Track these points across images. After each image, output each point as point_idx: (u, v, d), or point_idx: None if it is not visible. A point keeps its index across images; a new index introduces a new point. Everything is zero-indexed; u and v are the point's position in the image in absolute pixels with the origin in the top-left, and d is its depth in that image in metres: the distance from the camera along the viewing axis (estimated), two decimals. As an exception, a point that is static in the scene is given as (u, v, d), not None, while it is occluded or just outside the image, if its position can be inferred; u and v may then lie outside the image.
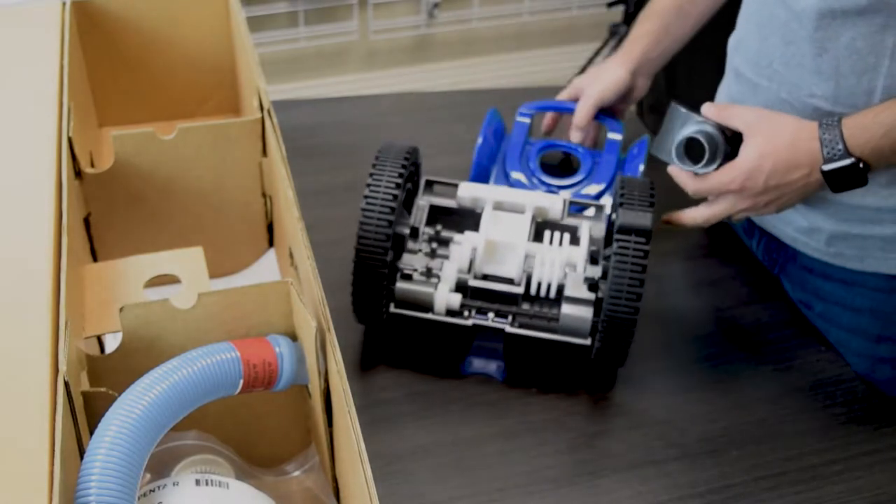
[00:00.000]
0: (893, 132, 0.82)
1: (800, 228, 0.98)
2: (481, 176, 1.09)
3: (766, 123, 0.88)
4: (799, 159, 0.85)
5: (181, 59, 1.08)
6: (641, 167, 1.07)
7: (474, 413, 0.89)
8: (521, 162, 1.08)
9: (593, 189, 1.05)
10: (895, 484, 0.84)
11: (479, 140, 1.10)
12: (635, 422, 0.89)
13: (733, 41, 1.01)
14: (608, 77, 1.07)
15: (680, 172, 0.92)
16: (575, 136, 1.08)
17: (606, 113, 1.10)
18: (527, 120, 1.12)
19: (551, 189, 1.06)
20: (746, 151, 0.87)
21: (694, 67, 1.14)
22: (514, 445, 0.86)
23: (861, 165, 0.83)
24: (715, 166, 0.89)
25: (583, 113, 1.07)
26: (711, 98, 1.09)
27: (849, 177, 0.84)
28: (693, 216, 0.93)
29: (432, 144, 1.17)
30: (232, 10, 1.03)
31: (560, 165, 1.11)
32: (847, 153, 0.83)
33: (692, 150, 0.89)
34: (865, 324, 0.98)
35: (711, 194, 0.91)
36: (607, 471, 0.85)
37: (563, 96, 1.11)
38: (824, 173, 0.84)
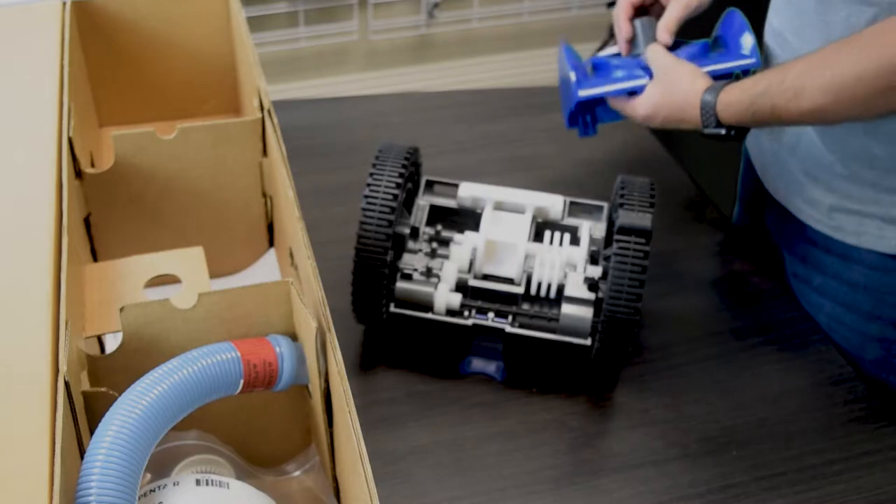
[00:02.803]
0: (755, 106, 0.87)
1: (807, 199, 0.99)
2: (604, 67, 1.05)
3: (668, 76, 0.96)
4: (685, 117, 0.94)
5: (181, 59, 1.08)
6: (748, 36, 1.01)
7: (474, 413, 0.89)
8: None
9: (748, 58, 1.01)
10: (895, 484, 0.84)
11: (572, 75, 1.03)
12: (635, 422, 0.89)
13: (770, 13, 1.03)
14: None
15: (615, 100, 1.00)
16: (665, 38, 1.03)
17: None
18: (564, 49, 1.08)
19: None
20: (647, 95, 0.97)
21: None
22: (514, 445, 0.86)
23: (732, 133, 0.91)
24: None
25: (675, 17, 1.02)
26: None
27: (726, 139, 0.92)
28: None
29: (432, 144, 1.17)
30: (232, 10, 1.03)
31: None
32: (719, 124, 0.91)
33: None
34: (859, 300, 0.98)
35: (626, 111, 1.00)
36: (607, 471, 0.85)
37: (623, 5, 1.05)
38: (703, 135, 0.93)
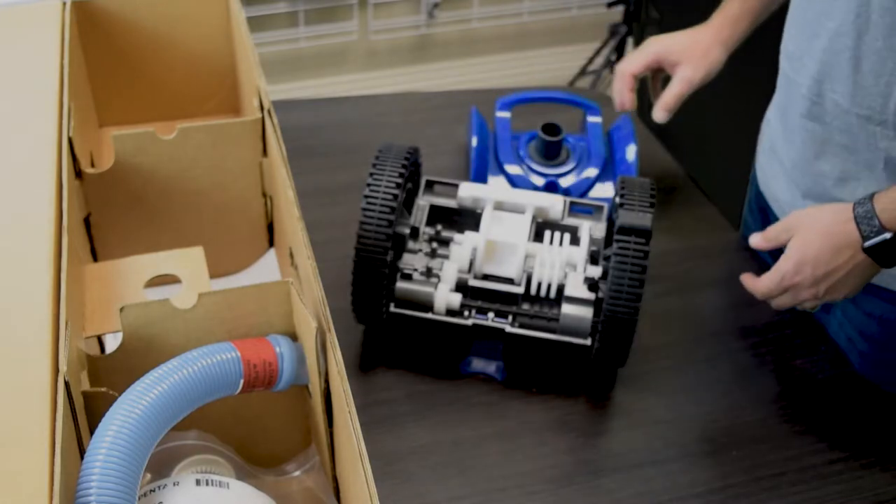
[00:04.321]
0: None
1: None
2: (482, 174, 1.09)
3: (804, 218, 0.89)
4: (839, 242, 0.85)
5: (181, 59, 1.08)
6: (633, 147, 1.07)
7: (474, 413, 0.89)
8: (514, 154, 1.09)
9: (591, 172, 1.06)
10: (895, 484, 0.84)
11: (475, 141, 1.11)
12: (635, 422, 0.89)
13: (782, 46, 1.02)
14: (714, 59, 1.02)
15: (747, 279, 0.94)
16: (661, 117, 1.03)
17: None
18: (507, 114, 1.13)
19: (548, 177, 1.06)
20: (789, 248, 0.89)
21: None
22: (514, 445, 0.86)
23: None
24: None
25: (676, 96, 1.01)
26: (723, 101, 1.10)
27: (892, 250, 0.84)
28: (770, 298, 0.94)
29: (432, 144, 1.17)
30: (232, 10, 1.03)
31: (545, 154, 1.10)
32: (882, 228, 0.83)
33: None
34: (874, 329, 0.98)
35: (775, 293, 0.91)
36: (607, 471, 0.85)
37: (643, 55, 1.05)
38: (866, 250, 0.84)
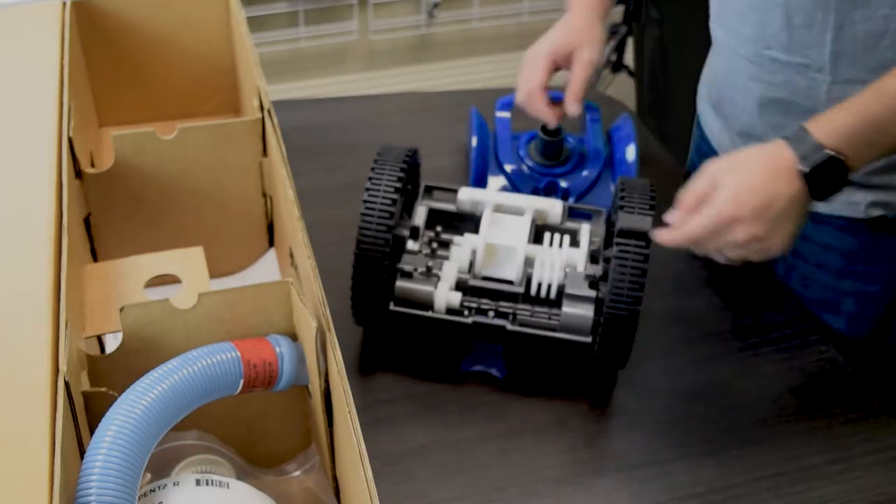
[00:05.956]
0: (862, 115, 0.78)
1: None
2: (482, 174, 1.09)
3: (729, 160, 0.83)
4: (775, 167, 0.80)
5: (181, 59, 1.08)
6: (633, 147, 1.07)
7: (474, 413, 0.89)
8: (514, 154, 1.09)
9: (591, 173, 1.06)
10: (895, 484, 0.84)
11: (475, 141, 1.11)
12: (635, 422, 0.89)
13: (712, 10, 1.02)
14: (596, 35, 0.99)
15: (665, 233, 0.84)
16: (574, 109, 1.00)
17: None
18: (506, 114, 1.13)
19: (548, 177, 1.06)
20: (721, 184, 0.80)
21: (694, 73, 1.13)
22: (514, 445, 0.86)
23: (839, 157, 0.78)
24: None
25: (582, 82, 0.99)
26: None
27: (829, 174, 0.79)
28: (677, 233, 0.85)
29: (432, 144, 1.17)
30: (232, 10, 1.03)
31: (545, 154, 1.10)
32: (820, 146, 0.78)
33: None
34: (831, 259, 0.99)
35: (706, 234, 0.81)
36: (607, 471, 0.85)
37: (538, 67, 1.01)
38: (805, 175, 0.78)
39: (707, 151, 1.10)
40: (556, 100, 1.03)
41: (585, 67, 0.99)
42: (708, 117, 1.09)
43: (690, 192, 0.83)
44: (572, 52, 1.00)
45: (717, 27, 1.01)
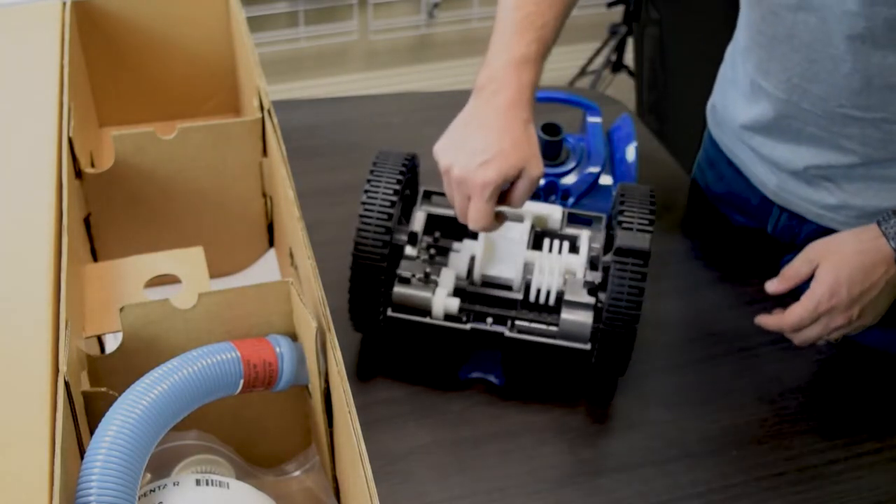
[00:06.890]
0: None
1: (827, 206, 0.97)
2: None
3: (827, 244, 0.88)
4: (872, 259, 0.85)
5: (181, 59, 1.08)
6: (633, 147, 1.07)
7: (474, 413, 0.89)
8: None
9: (591, 172, 1.06)
10: (895, 484, 0.84)
11: None
12: (635, 422, 0.89)
13: (739, 49, 1.00)
14: (536, 145, 0.85)
15: (768, 318, 0.91)
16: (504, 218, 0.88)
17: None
18: None
19: (548, 176, 1.06)
20: (819, 275, 0.87)
21: (694, 73, 1.13)
22: (514, 445, 0.86)
23: None
24: None
25: (526, 197, 0.85)
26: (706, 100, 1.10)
27: None
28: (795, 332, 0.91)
29: (432, 144, 1.17)
30: (232, 10, 1.03)
31: (545, 154, 1.08)
32: None
33: None
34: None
35: (805, 323, 0.88)
36: (607, 471, 0.85)
37: (490, 207, 0.82)
38: None
39: (716, 157, 1.10)
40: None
41: (534, 184, 0.85)
42: (745, 157, 1.05)
43: (791, 268, 0.90)
44: (527, 170, 0.85)
45: (765, 80, 0.96)
